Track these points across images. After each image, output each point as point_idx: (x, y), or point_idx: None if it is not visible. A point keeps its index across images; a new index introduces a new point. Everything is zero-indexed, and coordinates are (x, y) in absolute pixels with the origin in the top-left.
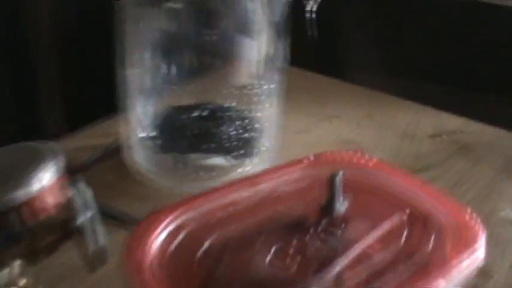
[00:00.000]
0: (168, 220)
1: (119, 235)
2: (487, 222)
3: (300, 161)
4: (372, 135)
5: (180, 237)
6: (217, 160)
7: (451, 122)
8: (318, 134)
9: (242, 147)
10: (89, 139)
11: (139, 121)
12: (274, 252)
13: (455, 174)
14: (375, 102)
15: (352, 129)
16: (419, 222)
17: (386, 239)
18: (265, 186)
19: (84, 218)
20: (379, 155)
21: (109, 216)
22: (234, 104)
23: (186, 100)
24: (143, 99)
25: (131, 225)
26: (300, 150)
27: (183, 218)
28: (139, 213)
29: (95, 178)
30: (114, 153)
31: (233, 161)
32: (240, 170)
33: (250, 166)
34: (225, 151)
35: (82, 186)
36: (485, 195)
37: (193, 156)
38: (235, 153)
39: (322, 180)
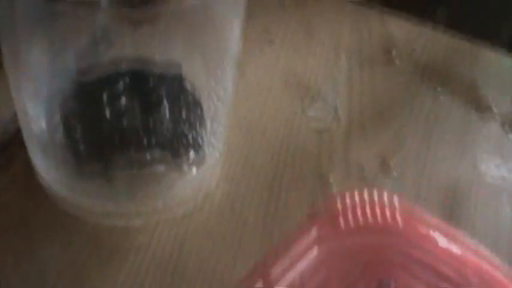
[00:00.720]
0: None
1: None
2: None
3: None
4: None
5: None
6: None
7: None
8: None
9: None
10: None
11: (32, 105)
12: None
13: None
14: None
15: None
16: None
17: None
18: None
19: None
20: None
21: None
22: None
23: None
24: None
25: None
26: None
27: None
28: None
29: None
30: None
31: (177, 166)
32: (188, 177)
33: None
34: (166, 151)
35: None
36: None
37: (121, 164)
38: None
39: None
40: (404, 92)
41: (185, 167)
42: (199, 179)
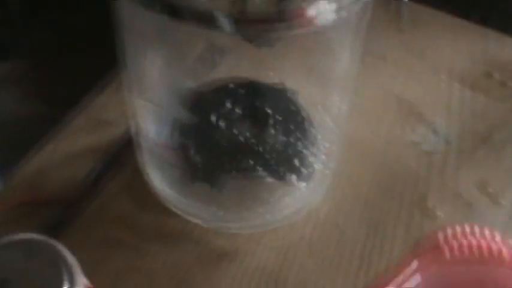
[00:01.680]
0: None
1: None
2: None
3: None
4: None
5: None
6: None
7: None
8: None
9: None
10: (76, 136)
11: (146, 112)
12: None
13: None
14: None
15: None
16: None
17: None
18: None
19: None
20: None
21: None
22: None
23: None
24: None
25: None
26: None
27: None
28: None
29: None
30: (122, 160)
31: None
32: (296, 191)
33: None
34: (273, 170)
35: None
36: None
37: (232, 173)
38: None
39: None
40: None
41: (294, 181)
42: (307, 193)
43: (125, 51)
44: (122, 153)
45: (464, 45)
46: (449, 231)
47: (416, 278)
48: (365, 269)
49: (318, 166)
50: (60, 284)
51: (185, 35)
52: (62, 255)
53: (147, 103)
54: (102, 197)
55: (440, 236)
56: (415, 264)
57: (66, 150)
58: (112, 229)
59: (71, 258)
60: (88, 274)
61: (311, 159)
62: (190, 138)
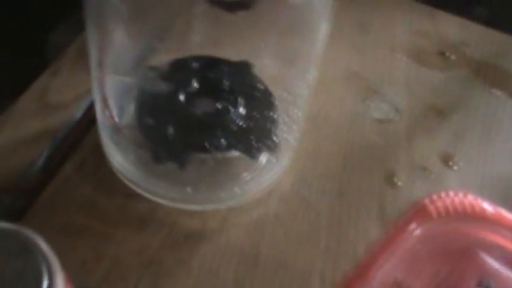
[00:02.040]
0: None
1: None
2: None
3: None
4: None
5: None
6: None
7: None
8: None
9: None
10: (23, 121)
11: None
12: None
13: None
14: None
15: None
16: None
17: None
18: None
19: None
20: None
21: None
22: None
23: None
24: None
25: None
26: None
27: None
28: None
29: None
30: (78, 142)
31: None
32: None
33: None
34: (238, 145)
35: None
36: None
37: (194, 148)
38: (250, 147)
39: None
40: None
41: (259, 155)
42: (272, 167)
43: (90, 24)
44: (78, 135)
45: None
46: (434, 196)
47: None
48: (335, 238)
49: (282, 140)
50: (39, 278)
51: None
52: (35, 245)
53: (112, 77)
54: (58, 181)
55: (427, 200)
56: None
57: (14, 136)
58: (73, 215)
59: (45, 248)
60: None
61: (275, 133)
62: (155, 116)
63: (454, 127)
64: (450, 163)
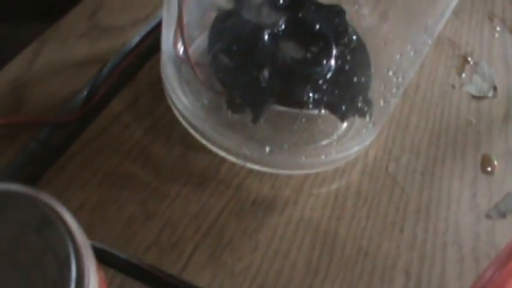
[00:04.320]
0: None
1: None
2: None
3: None
4: None
5: None
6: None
7: None
8: None
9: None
10: (71, 39)
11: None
12: None
13: None
14: None
15: None
16: None
17: None
18: None
19: None
20: None
21: None
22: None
23: None
24: None
25: None
26: None
27: None
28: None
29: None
30: (131, 72)
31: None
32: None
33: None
34: (328, 103)
35: None
36: None
37: (273, 101)
38: (341, 106)
39: None
40: None
41: (348, 116)
42: (361, 133)
43: None
44: (132, 66)
45: None
46: None
47: None
48: (423, 225)
49: (375, 103)
50: (65, 261)
51: None
52: (60, 218)
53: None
54: (104, 119)
55: None
56: None
57: (56, 58)
58: (120, 163)
59: (72, 222)
60: (89, 221)
61: (369, 94)
62: (233, 57)
63: None
64: None
